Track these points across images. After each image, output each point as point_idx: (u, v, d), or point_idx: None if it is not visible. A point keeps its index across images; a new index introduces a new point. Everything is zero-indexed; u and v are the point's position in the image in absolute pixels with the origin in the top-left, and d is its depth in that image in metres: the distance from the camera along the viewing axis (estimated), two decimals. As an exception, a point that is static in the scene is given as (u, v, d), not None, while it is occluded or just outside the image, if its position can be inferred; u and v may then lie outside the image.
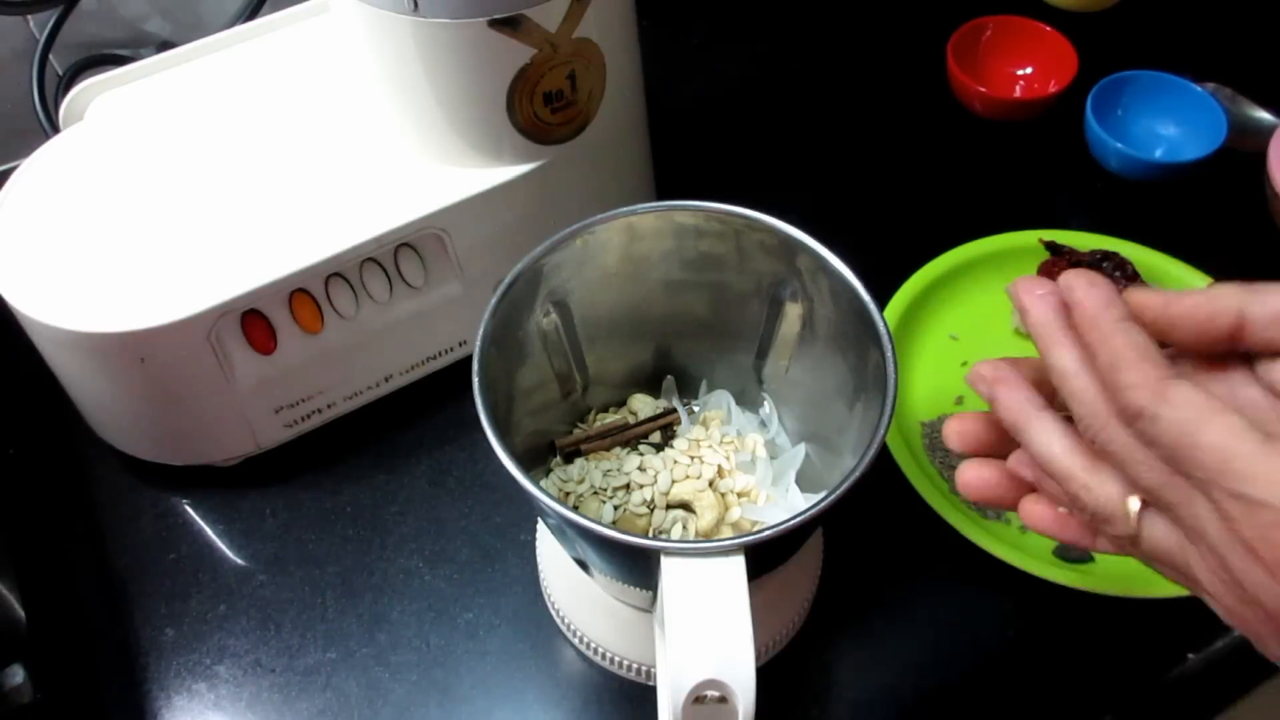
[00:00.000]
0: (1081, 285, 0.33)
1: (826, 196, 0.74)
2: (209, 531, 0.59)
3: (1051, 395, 0.35)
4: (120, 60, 0.70)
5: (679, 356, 0.55)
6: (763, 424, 0.54)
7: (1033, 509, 0.37)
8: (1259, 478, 0.28)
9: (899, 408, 0.60)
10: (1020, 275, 0.37)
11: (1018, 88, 0.80)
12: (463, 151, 0.56)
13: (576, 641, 0.53)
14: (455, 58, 0.52)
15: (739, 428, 0.54)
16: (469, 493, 0.60)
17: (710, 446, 0.52)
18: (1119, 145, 0.70)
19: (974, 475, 0.38)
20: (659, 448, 0.53)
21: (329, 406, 0.60)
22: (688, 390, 0.56)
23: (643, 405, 0.55)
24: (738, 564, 0.37)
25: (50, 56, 0.71)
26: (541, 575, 0.55)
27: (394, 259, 0.57)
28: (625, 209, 0.47)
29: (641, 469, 0.51)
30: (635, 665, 0.51)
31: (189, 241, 0.55)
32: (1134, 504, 0.33)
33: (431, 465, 0.61)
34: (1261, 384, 0.33)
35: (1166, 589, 0.52)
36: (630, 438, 0.53)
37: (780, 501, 0.50)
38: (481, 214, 0.57)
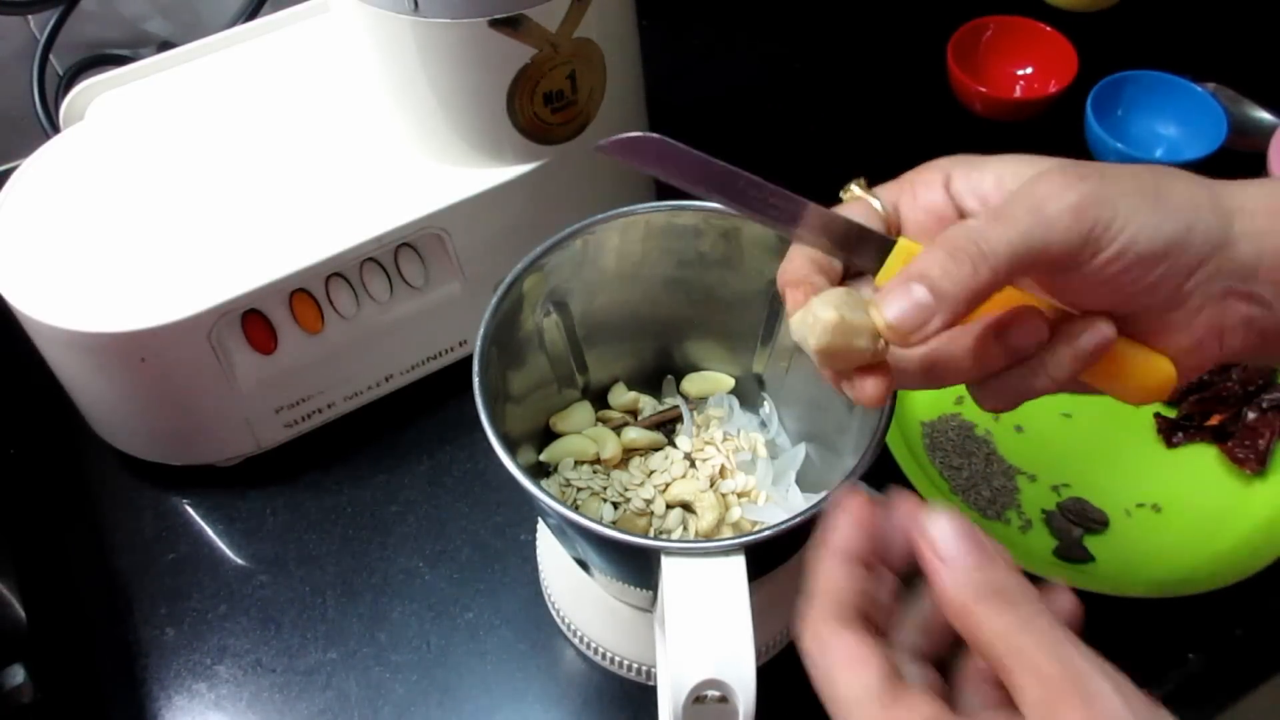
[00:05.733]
0: (839, 511, 0.33)
1: (827, 196, 0.73)
2: (209, 531, 0.59)
3: None
4: (120, 60, 0.70)
5: (679, 356, 0.55)
6: (763, 424, 0.54)
7: None
8: None
9: (899, 408, 0.60)
10: None
11: (1018, 88, 0.80)
12: (463, 151, 0.56)
13: (576, 641, 0.53)
14: (455, 58, 0.52)
15: (739, 427, 0.54)
16: (469, 493, 0.60)
17: (711, 445, 0.52)
18: (1119, 145, 0.70)
19: None
20: (659, 447, 0.53)
21: (329, 406, 0.60)
22: (688, 390, 0.56)
23: (643, 405, 0.55)
24: (738, 564, 0.37)
25: (50, 56, 0.71)
26: (541, 575, 0.55)
27: (394, 259, 0.57)
28: (625, 209, 0.47)
29: (642, 469, 0.51)
30: (635, 665, 0.51)
31: (189, 241, 0.55)
32: None
33: (431, 465, 0.61)
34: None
35: (1167, 589, 0.52)
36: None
37: (780, 501, 0.50)
38: (481, 214, 0.57)
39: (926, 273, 0.31)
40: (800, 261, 0.37)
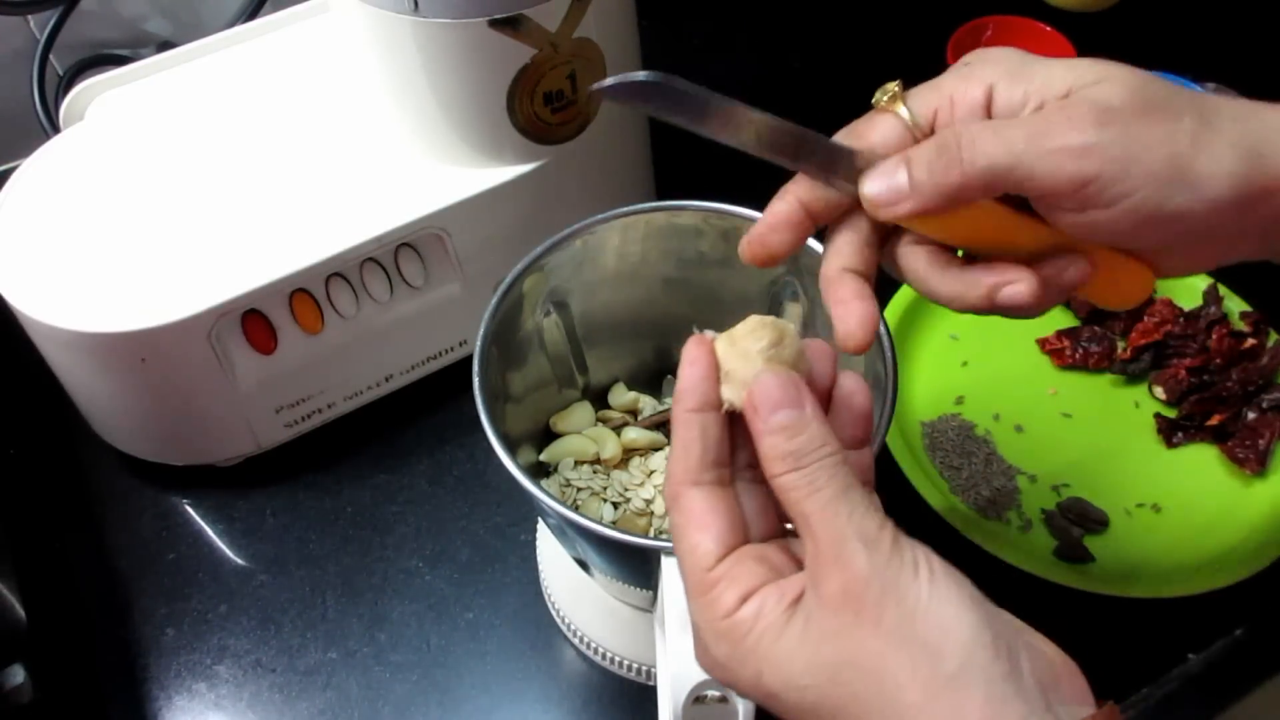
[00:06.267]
0: (683, 362, 0.34)
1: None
2: (209, 531, 0.59)
3: None
4: (120, 60, 0.70)
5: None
6: (763, 424, 0.54)
7: None
8: (692, 598, 0.31)
9: (899, 408, 0.60)
10: None
11: (1018, 88, 0.80)
12: (463, 151, 0.56)
13: (576, 641, 0.53)
14: (455, 58, 0.52)
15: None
16: (469, 493, 0.60)
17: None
18: (1119, 145, 0.70)
19: None
20: (659, 447, 0.53)
21: (329, 406, 0.60)
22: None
23: (643, 405, 0.55)
24: (738, 564, 0.37)
25: (50, 56, 0.71)
26: (541, 575, 0.55)
27: (394, 259, 0.57)
28: (625, 209, 0.47)
29: (642, 469, 0.51)
30: (635, 665, 0.51)
31: (189, 241, 0.55)
32: None
33: (431, 465, 0.61)
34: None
35: (1167, 589, 0.52)
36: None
37: (780, 501, 0.50)
38: (481, 214, 0.57)
39: (914, 160, 0.33)
40: (783, 215, 0.37)
